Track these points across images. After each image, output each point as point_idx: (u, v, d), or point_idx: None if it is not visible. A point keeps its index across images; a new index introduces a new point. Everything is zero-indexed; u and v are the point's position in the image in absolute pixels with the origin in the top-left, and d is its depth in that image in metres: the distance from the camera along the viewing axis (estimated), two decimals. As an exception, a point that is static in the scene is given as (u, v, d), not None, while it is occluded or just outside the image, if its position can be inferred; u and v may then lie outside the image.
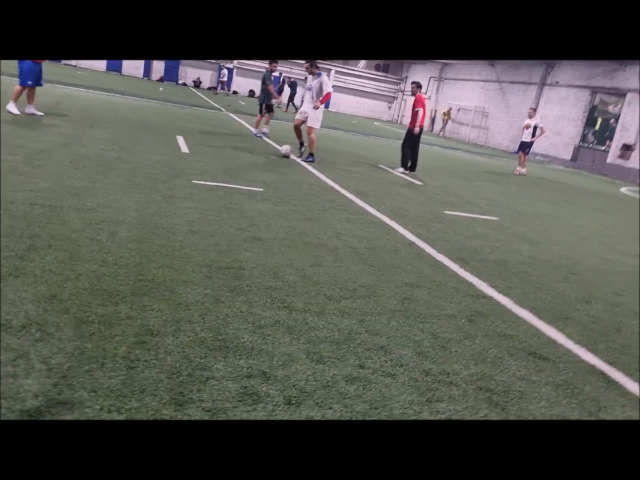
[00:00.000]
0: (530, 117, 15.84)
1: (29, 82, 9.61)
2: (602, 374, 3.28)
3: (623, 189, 17.87)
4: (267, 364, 2.73)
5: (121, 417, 2.14)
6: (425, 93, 39.80)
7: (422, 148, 11.39)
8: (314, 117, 10.27)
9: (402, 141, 11.83)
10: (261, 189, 6.99)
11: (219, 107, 22.26)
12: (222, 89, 34.88)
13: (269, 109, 13.36)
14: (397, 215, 6.80)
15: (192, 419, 2.21)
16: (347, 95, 44.14)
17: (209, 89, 37.42)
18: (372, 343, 3.16)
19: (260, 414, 2.32)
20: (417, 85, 11.67)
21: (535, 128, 15.65)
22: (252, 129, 13.94)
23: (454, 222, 7.11)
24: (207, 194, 6.21)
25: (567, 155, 26.68)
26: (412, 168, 11.50)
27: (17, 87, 9.62)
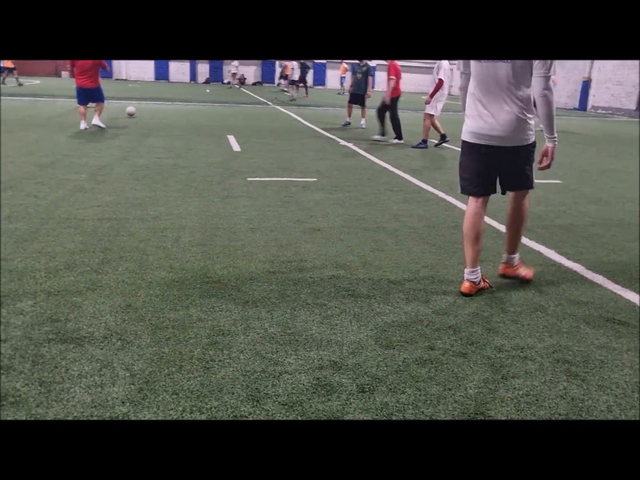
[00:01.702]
0: None
1: (84, 102, 10.88)
2: (688, 334, 3.13)
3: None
4: (338, 354, 2.77)
5: (203, 417, 2.23)
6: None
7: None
8: (429, 105, 10.35)
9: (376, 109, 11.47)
10: (315, 179, 7.02)
11: (265, 101, 22.45)
12: (235, 83, 33.92)
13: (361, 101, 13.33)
14: (453, 190, 6.67)
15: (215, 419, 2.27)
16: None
17: (254, 84, 37.72)
18: (440, 323, 3.13)
19: (335, 404, 2.35)
20: None
21: None
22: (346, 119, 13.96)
23: (514, 191, 6.90)
24: (262, 189, 6.31)
25: (632, 105, 25.27)
26: (399, 137, 11.16)
27: (80, 108, 10.89)
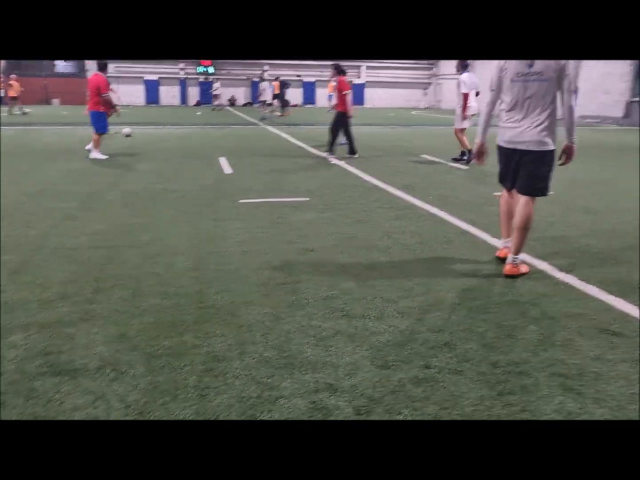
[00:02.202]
0: None
1: (103, 130, 10.62)
2: (681, 342, 3.14)
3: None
4: (333, 376, 2.76)
5: (199, 447, 2.21)
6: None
7: (468, 130, 11.15)
8: (458, 118, 10.49)
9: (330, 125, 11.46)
10: (306, 198, 7.05)
11: (255, 122, 22.59)
12: (216, 103, 33.01)
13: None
14: (446, 205, 6.71)
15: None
16: (381, 88, 43.88)
17: (244, 105, 37.93)
18: (435, 341, 3.13)
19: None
20: (336, 68, 11.24)
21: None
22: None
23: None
24: (254, 211, 6.32)
25: (619, 113, 25.56)
26: (352, 152, 11.27)
27: (95, 136, 10.62)
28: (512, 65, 4.07)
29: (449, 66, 41.02)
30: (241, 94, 40.79)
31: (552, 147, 4.09)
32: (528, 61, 3.99)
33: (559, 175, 8.27)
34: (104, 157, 10.53)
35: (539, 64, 3.96)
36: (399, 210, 6.48)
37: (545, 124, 4.06)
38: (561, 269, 4.34)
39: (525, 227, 4.18)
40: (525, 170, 4.15)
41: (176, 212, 6.22)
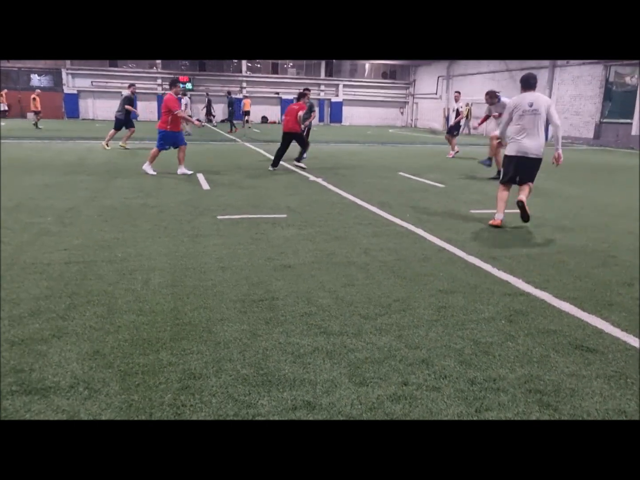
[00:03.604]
0: (456, 100, 15.86)
1: (167, 147, 10.80)
2: (654, 359, 3.19)
3: (652, 160, 17.41)
4: (311, 393, 2.74)
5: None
6: (436, 93, 39.69)
7: (437, 148, 11.25)
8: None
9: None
10: (285, 215, 7.04)
11: (234, 138, 22.59)
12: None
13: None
14: (423, 222, 6.77)
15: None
16: (358, 107, 44.32)
17: (222, 121, 37.81)
18: (413, 358, 3.14)
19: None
20: (172, 82, 11.14)
21: (457, 112, 15.64)
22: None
23: (481, 221, 7.04)
24: (232, 228, 6.29)
25: (589, 134, 26.19)
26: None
27: (154, 150, 10.80)
28: (520, 105, 6.57)
29: (425, 85, 41.68)
30: (220, 110, 40.81)
31: (542, 156, 6.65)
32: (529, 102, 6.50)
33: (533, 192, 8.37)
34: (153, 172, 10.66)
35: (536, 104, 6.48)
36: (377, 227, 6.52)
37: (541, 142, 6.56)
38: (536, 286, 4.40)
39: (530, 192, 6.77)
40: (527, 169, 6.65)
41: (155, 228, 6.16)
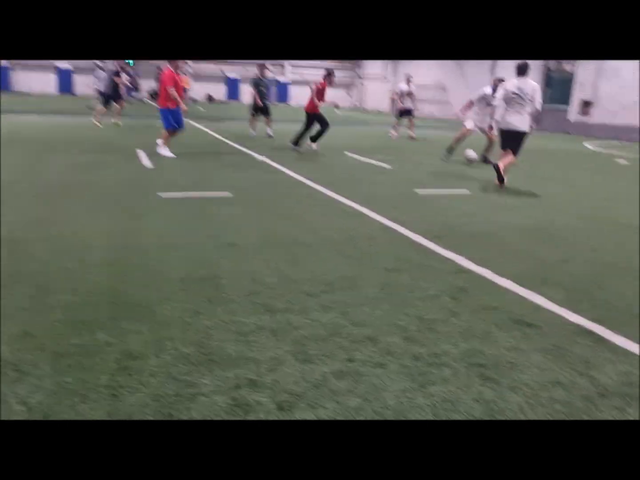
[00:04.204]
0: (407, 83, 15.95)
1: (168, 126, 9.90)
2: (588, 332, 3.30)
3: (586, 144, 18.09)
4: (255, 372, 2.68)
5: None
6: (386, 78, 39.85)
7: (382, 130, 11.30)
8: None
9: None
10: (230, 194, 6.90)
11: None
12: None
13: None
14: (370, 202, 6.77)
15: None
16: (306, 87, 44.01)
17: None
18: (358, 335, 3.13)
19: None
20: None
21: (408, 94, 15.84)
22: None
23: (426, 200, 7.11)
24: (176, 206, 6.11)
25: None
26: None
27: (164, 132, 9.98)
28: (512, 89, 8.29)
29: (372, 67, 41.76)
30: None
31: (527, 130, 8.36)
32: (519, 86, 8.24)
33: (477, 173, 8.51)
34: (170, 155, 9.87)
35: (525, 90, 8.23)
36: (323, 206, 6.48)
37: (526, 119, 8.27)
38: (479, 264, 4.47)
39: (510, 162, 8.38)
40: (513, 140, 8.35)
41: (92, 205, 5.91)
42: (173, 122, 9.88)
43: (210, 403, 2.39)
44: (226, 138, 13.74)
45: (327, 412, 2.38)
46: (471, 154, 10.96)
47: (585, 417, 2.42)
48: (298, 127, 12.42)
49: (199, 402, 2.39)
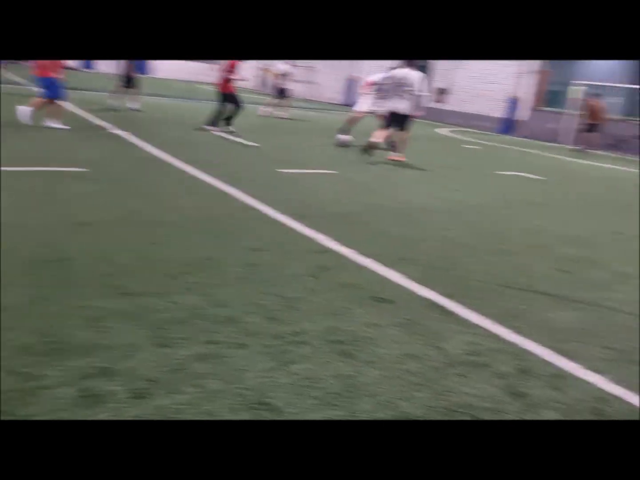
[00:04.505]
0: (285, 63, 16.28)
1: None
2: (439, 306, 3.52)
3: (438, 130, 19.32)
4: (108, 359, 2.52)
5: None
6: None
7: (249, 107, 11.25)
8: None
9: None
10: (84, 169, 6.40)
11: (18, 80, 20.04)
12: None
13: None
14: (233, 180, 6.66)
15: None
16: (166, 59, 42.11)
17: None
18: (219, 316, 3.06)
19: (104, 415, 2.13)
20: None
21: (286, 74, 16.20)
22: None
23: (291, 180, 7.16)
24: (20, 181, 5.55)
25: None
26: None
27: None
28: (395, 77, 9.69)
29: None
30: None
31: (409, 113, 9.65)
32: (402, 75, 9.58)
33: (344, 156, 8.73)
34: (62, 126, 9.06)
35: (407, 78, 9.54)
36: (185, 184, 6.26)
37: (409, 103, 9.53)
38: (342, 243, 4.59)
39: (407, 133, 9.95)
40: (400, 121, 9.68)
41: None
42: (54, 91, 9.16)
43: (56, 396, 2.20)
44: (82, 108, 12.76)
45: (187, 397, 2.31)
46: (345, 137, 11.08)
47: (436, 387, 2.59)
48: (161, 100, 11.86)
49: (42, 396, 2.19)
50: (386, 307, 3.42)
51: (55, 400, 2.18)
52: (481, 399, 2.53)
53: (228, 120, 11.50)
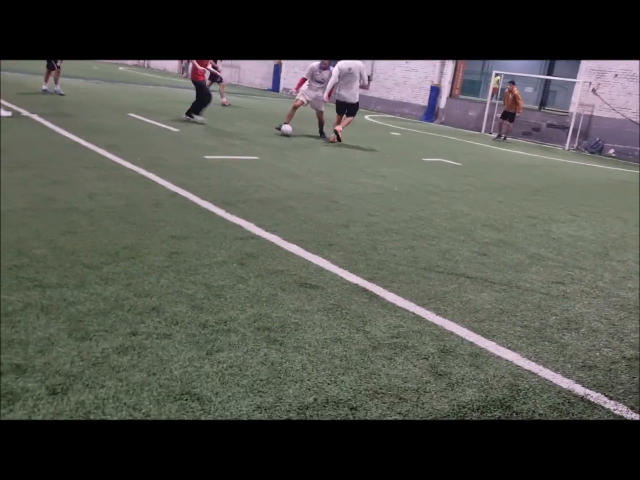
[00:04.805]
0: None
1: None
2: (364, 290, 3.58)
3: (367, 117, 19.56)
4: (22, 355, 2.39)
5: None
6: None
7: (172, 91, 10.90)
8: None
9: None
10: (-9, 154, 6.02)
11: None
12: None
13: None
14: (155, 166, 6.46)
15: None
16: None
17: None
18: (142, 306, 2.97)
19: (19, 414, 2.02)
20: None
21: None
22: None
23: (215, 167, 7.02)
24: None
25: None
26: None
27: None
28: (343, 68, 10.44)
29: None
30: None
31: (356, 101, 10.86)
32: (349, 67, 10.43)
33: (262, 141, 8.64)
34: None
35: (354, 68, 10.48)
36: (103, 170, 6.00)
37: (356, 92, 10.71)
38: (267, 230, 4.56)
39: (348, 124, 10.98)
40: (350, 109, 10.87)
41: None
42: None
43: (-37, 396, 2.07)
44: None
45: (108, 390, 2.23)
46: (287, 128, 10.87)
47: (362, 370, 2.63)
48: (79, 82, 11.27)
49: (-52, 397, 2.05)
50: (313, 293, 3.44)
51: (-38, 401, 2.04)
52: (405, 380, 2.60)
53: (197, 110, 11.07)
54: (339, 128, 10.61)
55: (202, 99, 11.18)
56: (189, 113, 11.15)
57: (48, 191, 4.91)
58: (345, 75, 10.52)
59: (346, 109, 10.85)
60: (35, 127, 8.29)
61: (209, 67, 12.44)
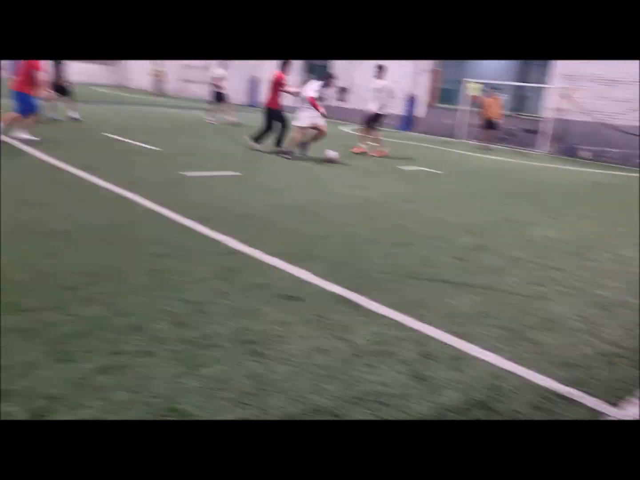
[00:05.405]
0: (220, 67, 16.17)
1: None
2: (345, 300, 3.61)
3: (342, 127, 19.70)
4: (4, 380, 2.38)
5: None
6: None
7: (145, 110, 10.92)
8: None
9: None
10: (-33, 180, 5.97)
11: None
12: None
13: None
14: (135, 185, 6.45)
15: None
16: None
17: None
18: (124, 325, 2.97)
19: (1, 439, 2.01)
20: None
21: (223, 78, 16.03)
22: None
23: (195, 183, 7.04)
24: None
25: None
26: None
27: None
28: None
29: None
30: None
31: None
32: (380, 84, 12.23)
33: (246, 158, 8.66)
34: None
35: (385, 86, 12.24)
36: (82, 191, 5.99)
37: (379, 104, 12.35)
38: (250, 245, 4.57)
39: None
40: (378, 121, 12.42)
41: None
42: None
43: (-56, 423, 2.05)
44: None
45: (92, 410, 2.23)
46: (332, 153, 10.12)
47: (345, 378, 2.66)
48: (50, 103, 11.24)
49: None
50: (295, 305, 3.46)
51: (-57, 428, 2.03)
52: (388, 386, 2.63)
53: (278, 141, 10.42)
54: (365, 146, 12.35)
55: (284, 127, 10.34)
56: (277, 145, 10.26)
57: (26, 214, 4.87)
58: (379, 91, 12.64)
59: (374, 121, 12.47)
60: (9, 149, 8.22)
61: (289, 89, 10.76)
